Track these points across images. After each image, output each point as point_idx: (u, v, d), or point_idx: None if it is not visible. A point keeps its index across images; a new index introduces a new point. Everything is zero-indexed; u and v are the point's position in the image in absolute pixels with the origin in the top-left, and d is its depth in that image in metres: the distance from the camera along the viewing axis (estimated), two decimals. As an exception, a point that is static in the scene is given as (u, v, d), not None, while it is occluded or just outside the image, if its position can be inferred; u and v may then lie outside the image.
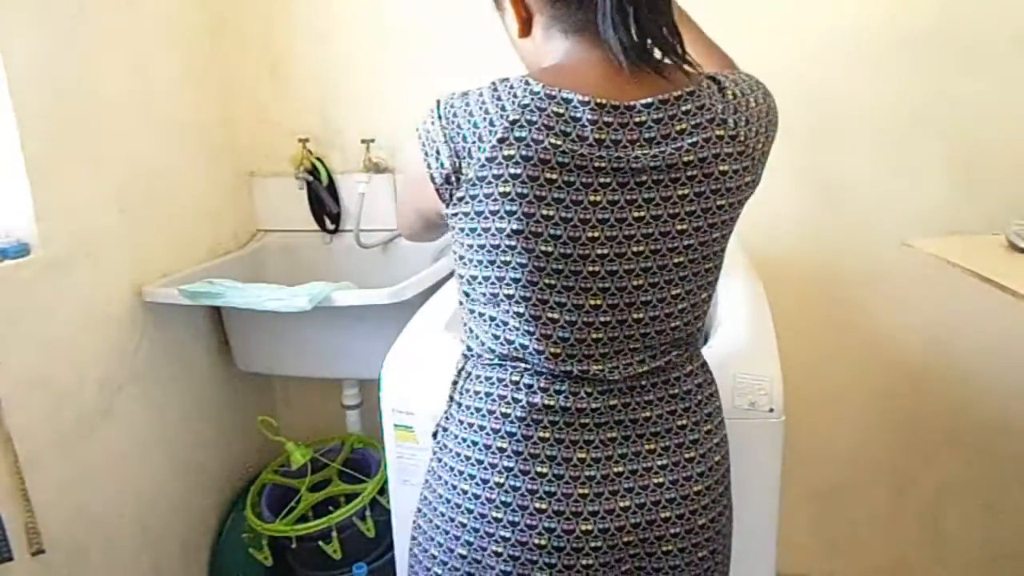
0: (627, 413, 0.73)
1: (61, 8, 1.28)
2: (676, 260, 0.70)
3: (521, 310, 0.70)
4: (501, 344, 0.73)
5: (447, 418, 0.78)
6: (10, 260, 1.19)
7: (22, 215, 1.22)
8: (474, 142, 0.67)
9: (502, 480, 0.71)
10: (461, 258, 0.72)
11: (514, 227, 0.66)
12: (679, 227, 0.69)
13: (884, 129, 1.48)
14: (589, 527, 0.70)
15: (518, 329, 0.71)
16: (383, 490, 1.52)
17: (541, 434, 0.71)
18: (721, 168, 0.69)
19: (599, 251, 0.68)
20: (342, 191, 1.74)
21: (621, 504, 0.71)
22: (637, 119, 0.66)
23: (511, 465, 0.71)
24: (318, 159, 1.71)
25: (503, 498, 0.71)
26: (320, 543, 1.47)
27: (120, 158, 1.41)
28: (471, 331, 0.76)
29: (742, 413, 0.91)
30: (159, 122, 1.52)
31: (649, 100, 0.66)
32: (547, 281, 0.68)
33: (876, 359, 1.60)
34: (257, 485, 1.61)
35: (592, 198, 0.66)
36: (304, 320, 1.38)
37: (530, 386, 0.72)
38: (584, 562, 0.71)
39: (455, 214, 0.70)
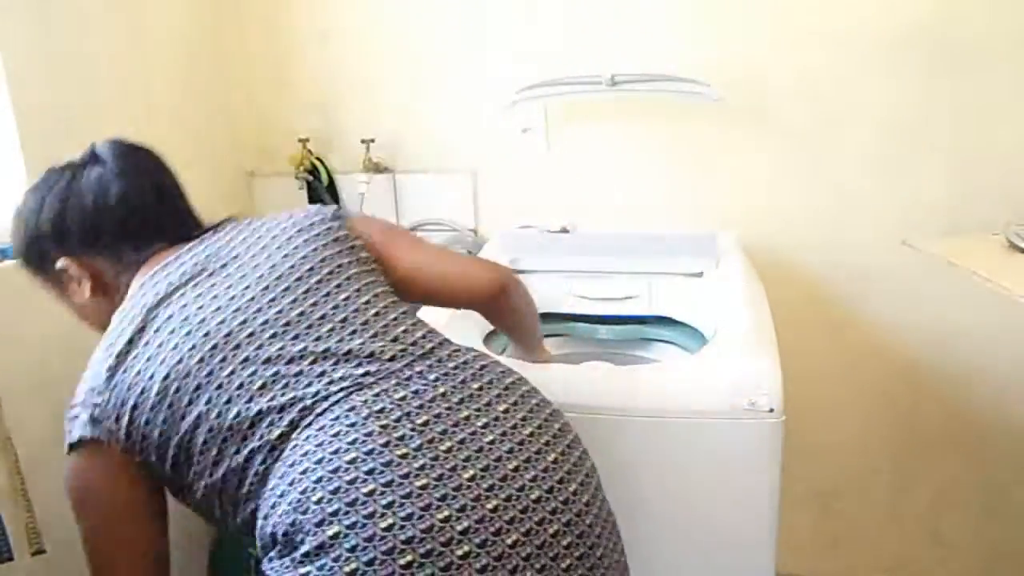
0: (419, 396, 0.72)
1: (61, 8, 1.28)
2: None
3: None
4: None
5: None
6: (10, 260, 1.19)
7: (22, 215, 1.22)
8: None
9: (336, 529, 0.64)
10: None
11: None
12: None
13: (884, 129, 1.48)
14: (446, 513, 0.64)
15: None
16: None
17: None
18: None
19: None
20: (342, 191, 1.74)
21: (466, 476, 0.66)
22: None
23: (336, 507, 0.65)
24: (318, 159, 1.71)
25: (348, 544, 0.63)
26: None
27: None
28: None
29: (742, 413, 0.91)
30: (159, 122, 1.52)
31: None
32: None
33: (876, 359, 1.60)
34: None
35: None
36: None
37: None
38: (459, 552, 0.63)
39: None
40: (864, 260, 1.54)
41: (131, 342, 0.75)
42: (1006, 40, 1.39)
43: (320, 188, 1.71)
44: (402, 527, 0.61)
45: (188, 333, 0.73)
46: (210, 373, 0.71)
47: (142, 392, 0.71)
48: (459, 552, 0.61)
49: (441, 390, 0.72)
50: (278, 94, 1.74)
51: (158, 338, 0.74)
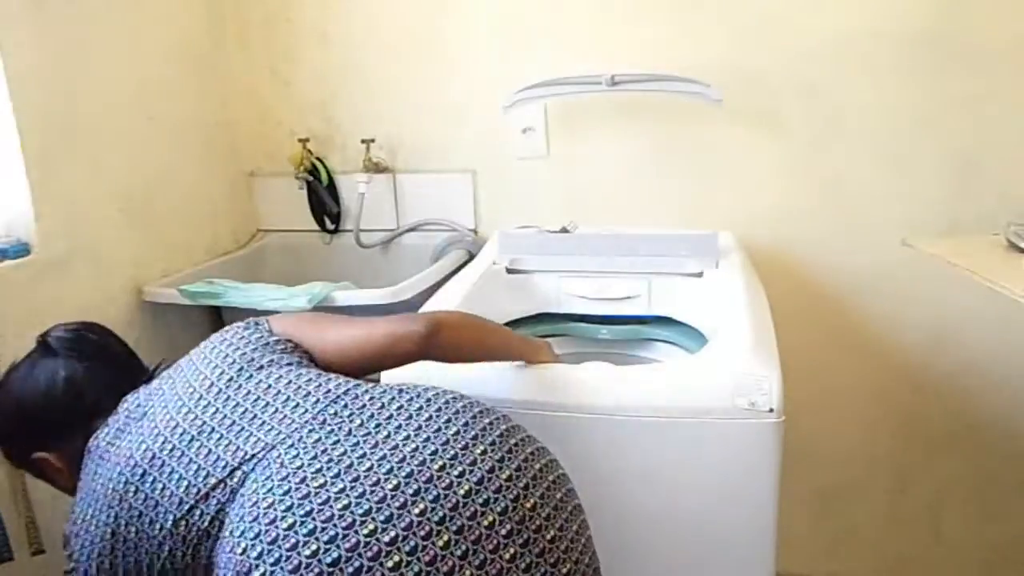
0: (335, 433, 0.74)
1: (61, 8, 1.28)
2: None
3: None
4: None
5: None
6: (10, 260, 1.20)
7: (22, 215, 1.22)
8: None
9: (263, 571, 0.67)
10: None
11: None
12: None
13: (884, 129, 1.48)
14: (371, 527, 0.64)
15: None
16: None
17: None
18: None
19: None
20: (342, 191, 1.74)
21: (389, 486, 0.67)
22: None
23: (260, 550, 0.68)
24: (318, 159, 1.71)
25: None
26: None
27: (120, 158, 1.41)
28: None
29: (742, 413, 0.91)
30: (159, 122, 1.52)
31: None
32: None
33: (876, 359, 1.60)
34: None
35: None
36: (304, 320, 1.37)
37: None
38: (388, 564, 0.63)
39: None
40: (864, 260, 1.54)
41: (83, 502, 0.79)
42: (1006, 40, 1.39)
43: (320, 188, 1.71)
44: (326, 551, 0.61)
45: (120, 472, 0.76)
46: (145, 498, 0.74)
47: (100, 539, 0.75)
48: (389, 564, 0.61)
49: (357, 421, 0.74)
50: (278, 94, 1.74)
51: (103, 488, 0.78)
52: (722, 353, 1.00)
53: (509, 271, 1.37)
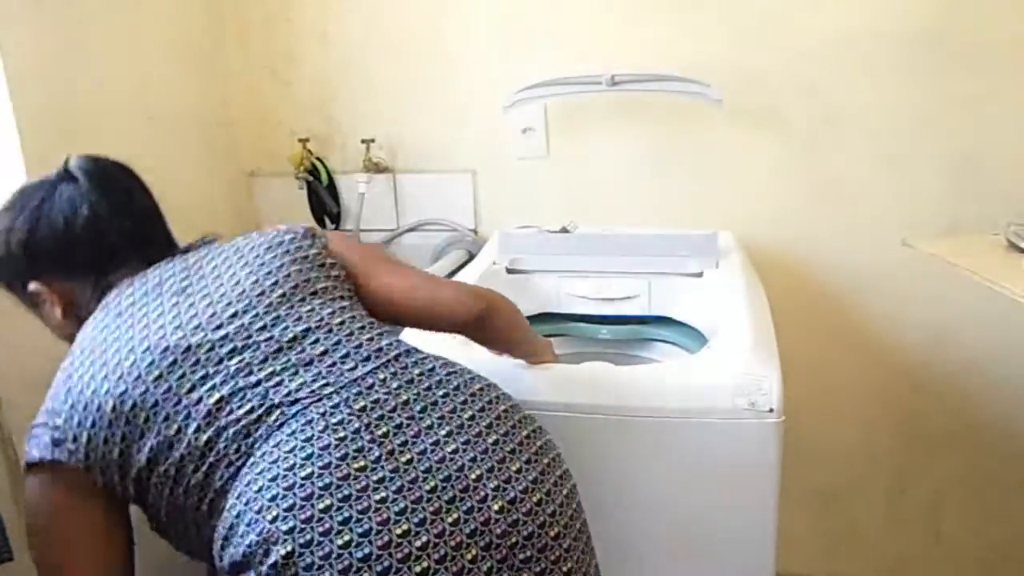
0: (380, 407, 0.70)
1: (61, 8, 1.28)
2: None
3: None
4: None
5: None
6: (10, 260, 1.19)
7: (22, 215, 1.22)
8: None
9: (290, 548, 0.61)
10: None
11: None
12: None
13: (884, 129, 1.48)
14: (405, 527, 0.62)
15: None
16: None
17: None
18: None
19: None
20: (342, 191, 1.74)
21: (427, 487, 0.65)
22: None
23: (291, 525, 0.62)
24: (318, 159, 1.71)
25: (304, 563, 0.61)
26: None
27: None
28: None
29: (742, 413, 0.91)
30: (159, 122, 1.52)
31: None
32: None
33: (876, 359, 1.60)
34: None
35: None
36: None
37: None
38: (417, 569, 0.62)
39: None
40: (864, 260, 1.54)
41: (91, 363, 0.73)
42: (1006, 40, 1.39)
43: (320, 188, 1.71)
44: (359, 544, 0.60)
45: (147, 349, 0.72)
46: (168, 390, 0.69)
47: (99, 409, 0.69)
48: (417, 569, 0.61)
49: (403, 398, 0.71)
50: (278, 94, 1.74)
51: (116, 356, 0.72)
52: (722, 353, 1.00)
53: (509, 271, 1.37)
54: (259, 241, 0.84)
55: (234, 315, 0.74)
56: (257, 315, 0.74)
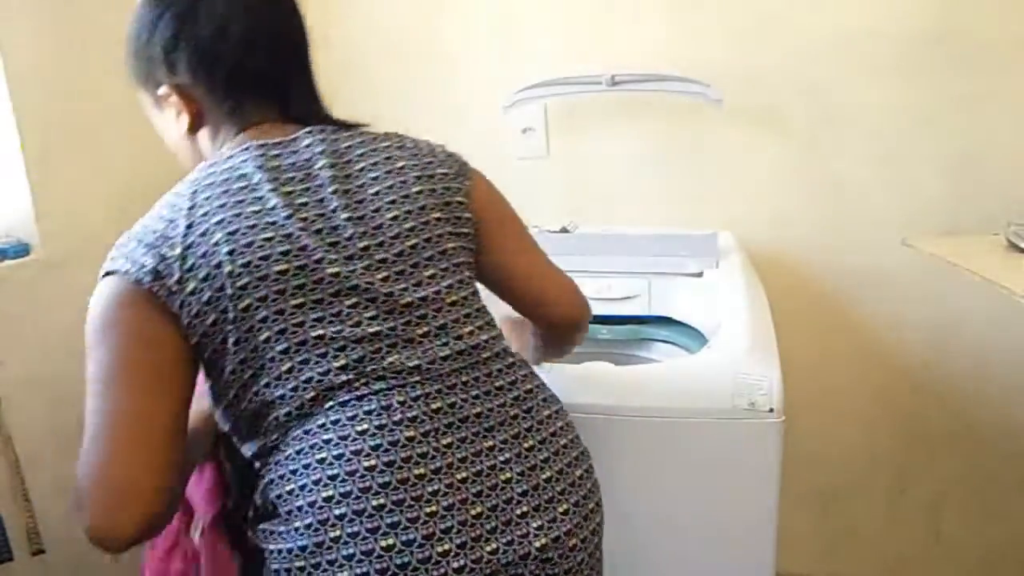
0: (454, 413, 0.70)
1: (61, 8, 1.28)
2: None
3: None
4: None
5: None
6: (10, 260, 1.20)
7: (22, 215, 1.22)
8: None
9: (338, 533, 0.62)
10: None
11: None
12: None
13: (884, 129, 1.48)
14: (446, 547, 0.63)
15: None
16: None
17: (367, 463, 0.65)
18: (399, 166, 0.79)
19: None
20: (342, 191, 1.74)
21: (473, 512, 0.65)
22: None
23: (343, 511, 0.63)
24: (318, 159, 1.71)
25: (346, 551, 0.62)
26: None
27: (120, 158, 1.41)
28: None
29: (742, 413, 0.91)
30: (159, 122, 1.52)
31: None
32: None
33: (876, 359, 1.60)
34: (257, 485, 1.60)
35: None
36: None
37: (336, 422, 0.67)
38: None
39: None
40: (864, 260, 1.54)
41: (221, 206, 0.70)
42: (1006, 40, 1.39)
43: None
44: (400, 551, 0.61)
45: (270, 239, 0.68)
46: (283, 291, 0.67)
47: (218, 266, 0.66)
48: None
49: (477, 409, 0.71)
50: (278, 94, 1.73)
51: (248, 221, 0.69)
52: (722, 353, 1.00)
53: (509, 271, 1.37)
54: (412, 163, 0.80)
55: (366, 249, 0.71)
56: (386, 261, 0.72)
